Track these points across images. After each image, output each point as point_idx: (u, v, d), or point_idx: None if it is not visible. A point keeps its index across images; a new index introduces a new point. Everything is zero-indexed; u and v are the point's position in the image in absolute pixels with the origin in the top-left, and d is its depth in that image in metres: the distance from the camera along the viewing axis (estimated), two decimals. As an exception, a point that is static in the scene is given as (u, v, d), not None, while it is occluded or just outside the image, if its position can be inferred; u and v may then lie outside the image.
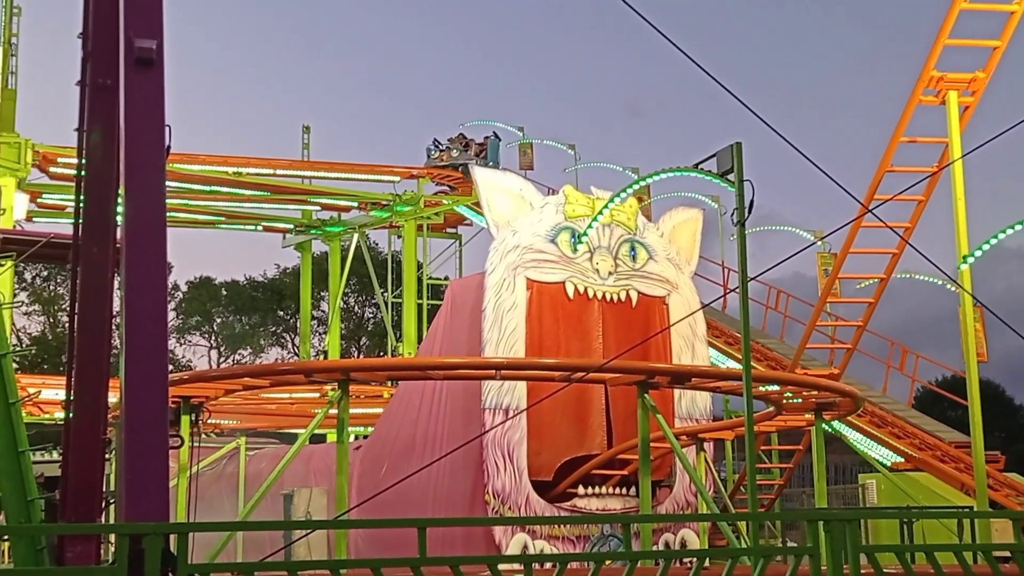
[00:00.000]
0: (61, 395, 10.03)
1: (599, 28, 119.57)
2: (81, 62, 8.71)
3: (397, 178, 31.47)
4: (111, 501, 9.88)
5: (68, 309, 10.38)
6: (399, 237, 32.59)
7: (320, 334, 49.75)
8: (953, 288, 17.80)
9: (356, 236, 32.99)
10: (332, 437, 22.20)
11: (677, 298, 19.18)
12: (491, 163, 30.75)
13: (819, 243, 23.72)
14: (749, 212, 10.13)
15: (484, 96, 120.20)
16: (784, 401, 17.07)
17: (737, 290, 11.14)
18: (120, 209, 7.88)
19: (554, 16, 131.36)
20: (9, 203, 15.60)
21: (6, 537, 10.76)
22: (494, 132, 31.93)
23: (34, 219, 26.62)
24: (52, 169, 25.87)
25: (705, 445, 19.24)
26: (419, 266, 32.06)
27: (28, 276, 49.78)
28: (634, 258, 18.90)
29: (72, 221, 9.08)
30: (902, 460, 22.42)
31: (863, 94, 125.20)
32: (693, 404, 19.15)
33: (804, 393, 17.01)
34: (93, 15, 8.41)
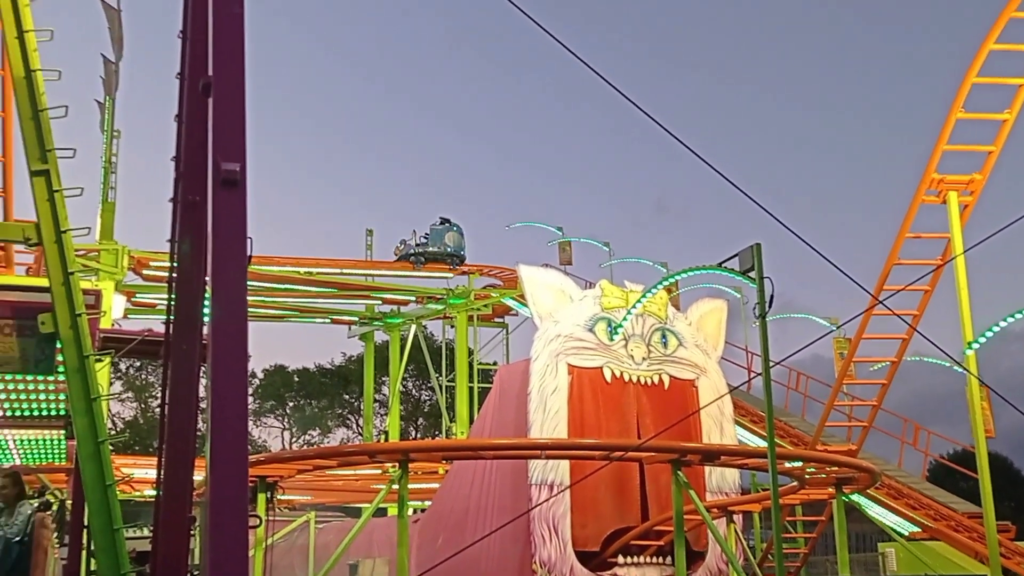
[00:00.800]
0: (151, 474, 10.09)
1: (630, 136, 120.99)
2: (174, 181, 8.93)
3: (450, 275, 31.73)
4: (195, 574, 9.86)
5: (159, 398, 10.48)
6: (452, 327, 32.75)
7: (382, 415, 49.73)
8: (960, 370, 17.55)
9: (414, 327, 33.21)
10: (393, 511, 22.05)
11: (706, 381, 19.05)
12: (434, 246, 30.27)
13: (835, 330, 23.48)
14: (769, 306, 10.12)
15: (528, 199, 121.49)
16: (807, 476, 16.77)
17: (761, 374, 11.03)
18: (207, 310, 8.01)
19: (589, 125, 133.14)
20: (108, 305, 15.84)
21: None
22: (440, 218, 31.57)
23: (128, 316, 27.02)
24: (145, 272, 26.41)
25: (734, 517, 18.86)
26: (470, 353, 32.10)
27: (123, 367, 50.46)
28: (665, 345, 18.83)
29: (164, 319, 9.25)
30: (919, 530, 21.85)
31: (872, 193, 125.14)
32: (723, 478, 18.86)
33: (826, 469, 16.72)
34: (185, 140, 8.67)
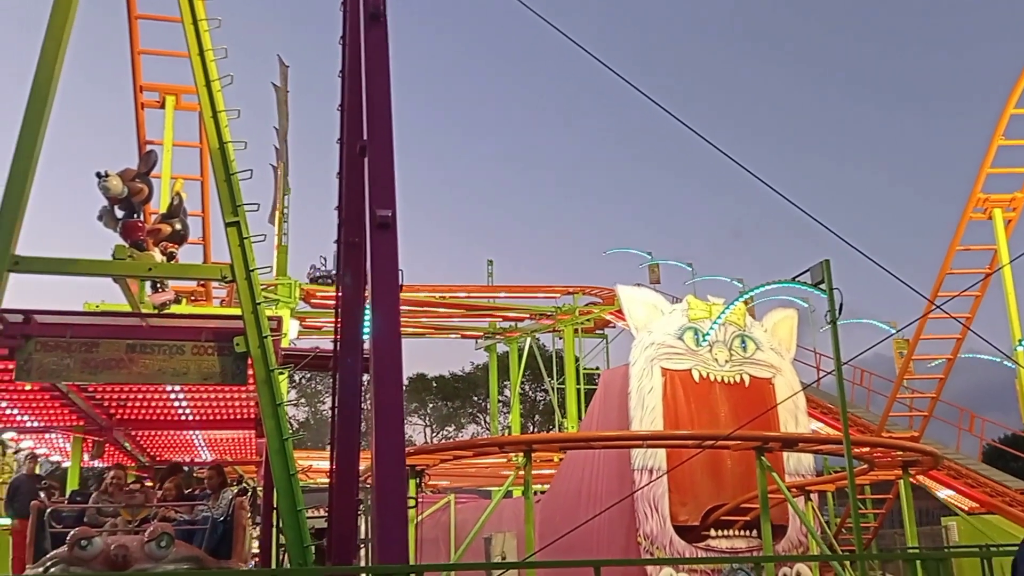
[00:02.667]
0: (325, 465, 10.29)
1: (709, 172, 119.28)
2: (337, 226, 9.16)
3: (558, 295, 31.64)
4: (361, 547, 10.00)
5: (328, 403, 10.67)
6: (560, 339, 32.57)
7: (504, 414, 49.84)
8: (1011, 365, 16.65)
9: (529, 339, 33.19)
10: (518, 493, 21.99)
11: (781, 379, 18.49)
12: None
13: (895, 333, 22.52)
14: (839, 313, 9.76)
15: (622, 228, 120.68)
16: (875, 459, 16.11)
17: (832, 372, 10.64)
18: (366, 330, 8.16)
19: (672, 166, 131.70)
20: (286, 328, 16.33)
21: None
22: None
23: (301, 336, 27.67)
24: (313, 300, 27.11)
25: (811, 496, 18.22)
26: (576, 360, 31.91)
27: (296, 378, 51.88)
28: (745, 349, 18.37)
29: (331, 339, 9.45)
30: (977, 505, 20.72)
31: (925, 212, 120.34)
32: (799, 462, 18.24)
33: (892, 453, 16.03)
34: (345, 192, 8.91)
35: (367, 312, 8.33)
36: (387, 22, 7.21)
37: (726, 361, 17.97)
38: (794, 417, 18.39)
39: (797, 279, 10.50)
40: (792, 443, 15.83)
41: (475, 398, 58.69)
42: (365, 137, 7.03)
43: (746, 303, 19.18)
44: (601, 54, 9.19)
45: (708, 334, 17.63)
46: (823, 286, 9.74)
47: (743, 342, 18.40)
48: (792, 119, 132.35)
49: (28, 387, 10.39)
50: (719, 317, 17.44)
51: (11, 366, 8.72)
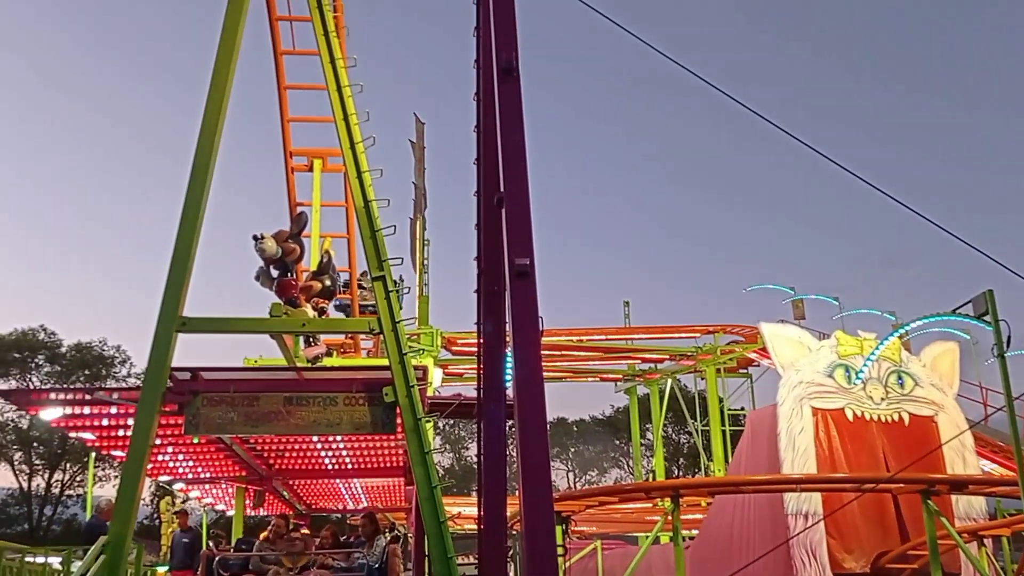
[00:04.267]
0: (473, 511, 10.34)
1: (855, 201, 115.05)
2: (476, 276, 9.32)
3: (697, 334, 30.97)
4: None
5: (473, 449, 10.78)
6: (702, 379, 31.81)
7: (648, 457, 48.93)
8: None
9: (670, 381, 32.57)
10: (664, 539, 21.42)
11: (944, 416, 17.38)
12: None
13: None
14: (1007, 346, 9.09)
15: (762, 264, 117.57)
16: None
17: (1003, 408, 9.88)
18: (509, 376, 8.22)
19: (817, 197, 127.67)
20: (431, 377, 16.72)
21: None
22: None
23: (443, 384, 28.16)
24: (454, 348, 27.62)
25: (984, 541, 16.88)
26: (720, 400, 31.04)
27: (440, 424, 52.80)
28: (902, 385, 17.40)
29: (474, 386, 9.56)
30: None
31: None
32: (970, 505, 17.01)
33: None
34: (484, 243, 9.07)
35: (508, 359, 8.42)
36: (520, 76, 7.38)
37: (882, 399, 17.08)
38: (961, 457, 17.20)
39: (958, 311, 9.86)
40: (961, 485, 14.78)
41: (617, 442, 57.99)
42: (502, 189, 7.16)
43: (900, 337, 18.21)
44: (729, 87, 9.08)
45: (862, 371, 16.83)
46: (987, 318, 9.12)
47: (900, 378, 17.46)
48: (939, 138, 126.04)
49: (196, 440, 11.03)
50: (873, 353, 16.64)
51: (180, 421, 9.27)
